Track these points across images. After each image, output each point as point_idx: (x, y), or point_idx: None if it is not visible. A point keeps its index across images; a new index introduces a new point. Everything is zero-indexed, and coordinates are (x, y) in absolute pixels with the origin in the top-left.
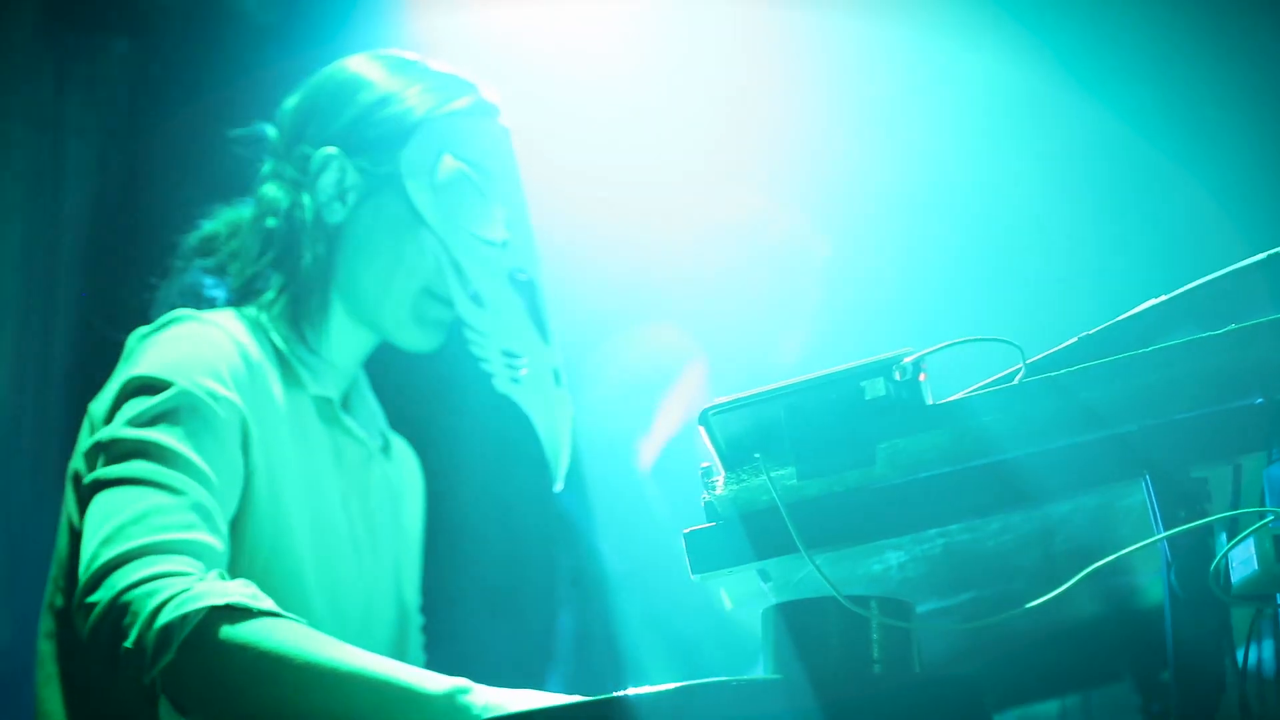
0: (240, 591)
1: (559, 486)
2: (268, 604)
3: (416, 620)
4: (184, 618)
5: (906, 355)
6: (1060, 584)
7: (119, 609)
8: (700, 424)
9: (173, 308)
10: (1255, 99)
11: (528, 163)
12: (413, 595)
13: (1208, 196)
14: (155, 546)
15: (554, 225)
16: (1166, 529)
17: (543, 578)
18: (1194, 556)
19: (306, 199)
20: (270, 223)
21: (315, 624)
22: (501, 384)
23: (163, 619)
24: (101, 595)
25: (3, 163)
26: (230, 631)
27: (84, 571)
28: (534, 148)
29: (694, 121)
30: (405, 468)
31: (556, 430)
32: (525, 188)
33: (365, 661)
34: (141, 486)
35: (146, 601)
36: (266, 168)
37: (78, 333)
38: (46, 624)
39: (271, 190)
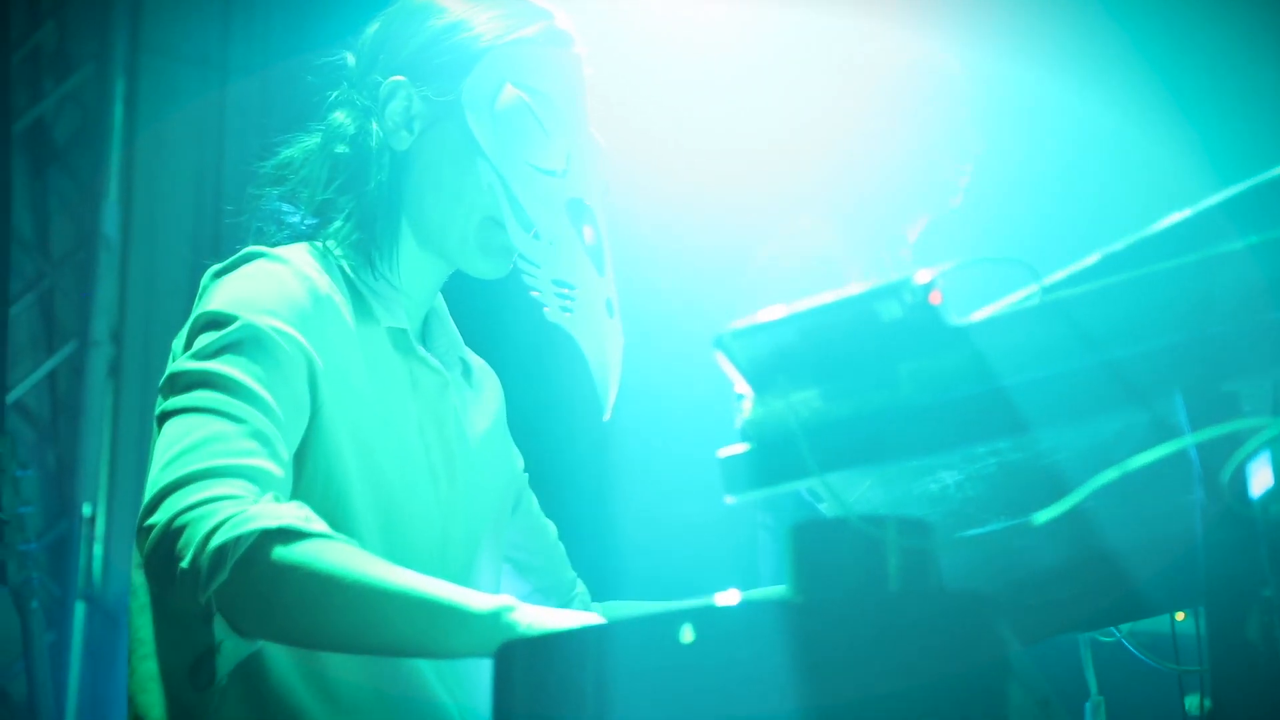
0: (294, 514)
1: (607, 416)
2: (320, 526)
3: (497, 547)
4: (237, 539)
5: (919, 275)
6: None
7: (175, 531)
8: (717, 347)
9: (256, 233)
10: None
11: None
12: (499, 520)
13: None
14: (213, 470)
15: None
16: (1198, 442)
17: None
18: (1217, 472)
19: (374, 126)
20: (338, 149)
21: (379, 553)
22: (553, 314)
23: (216, 540)
24: (159, 518)
25: (173, 101)
26: (282, 553)
27: (145, 496)
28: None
29: None
30: (490, 390)
31: (607, 361)
32: (591, 116)
33: (412, 581)
34: (203, 414)
35: (201, 524)
36: (338, 95)
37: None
38: (137, 555)
39: (340, 117)
